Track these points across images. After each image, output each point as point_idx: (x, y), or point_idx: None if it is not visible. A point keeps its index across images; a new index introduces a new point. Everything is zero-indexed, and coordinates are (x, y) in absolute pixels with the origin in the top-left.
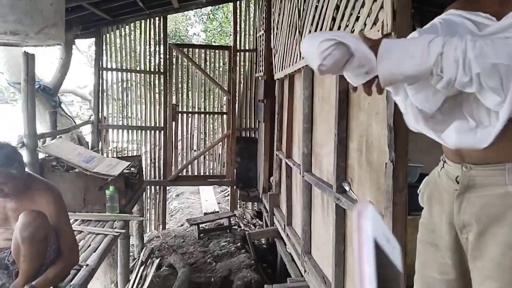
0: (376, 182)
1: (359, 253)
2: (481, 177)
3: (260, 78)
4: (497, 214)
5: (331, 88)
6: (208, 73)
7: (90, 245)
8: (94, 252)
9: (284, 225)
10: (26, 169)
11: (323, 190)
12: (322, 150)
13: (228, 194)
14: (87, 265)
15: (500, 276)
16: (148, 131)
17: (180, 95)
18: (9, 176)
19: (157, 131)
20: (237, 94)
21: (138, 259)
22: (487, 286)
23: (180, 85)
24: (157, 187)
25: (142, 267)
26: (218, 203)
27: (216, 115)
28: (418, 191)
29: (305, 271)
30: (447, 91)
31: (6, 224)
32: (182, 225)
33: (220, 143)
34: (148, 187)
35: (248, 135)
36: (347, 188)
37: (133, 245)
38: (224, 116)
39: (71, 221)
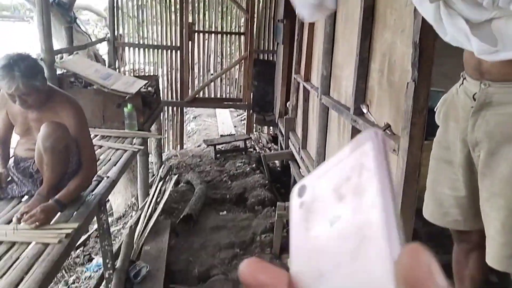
0: (396, 103)
1: None
2: (499, 94)
3: None
4: (511, 132)
5: (355, 5)
6: None
7: (110, 159)
8: (115, 165)
9: (299, 148)
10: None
11: (340, 113)
12: (342, 72)
13: (244, 118)
14: (108, 177)
15: (507, 193)
16: (164, 51)
17: (196, 14)
18: (32, 87)
19: (173, 51)
20: (255, 14)
21: (157, 175)
22: (493, 202)
23: (196, 4)
24: (175, 108)
25: (161, 183)
26: (235, 127)
27: (233, 36)
28: (435, 109)
29: None
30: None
31: (28, 134)
32: (199, 146)
33: (237, 66)
34: (166, 108)
35: (266, 58)
36: (365, 110)
37: (152, 162)
38: (242, 37)
39: (91, 136)
